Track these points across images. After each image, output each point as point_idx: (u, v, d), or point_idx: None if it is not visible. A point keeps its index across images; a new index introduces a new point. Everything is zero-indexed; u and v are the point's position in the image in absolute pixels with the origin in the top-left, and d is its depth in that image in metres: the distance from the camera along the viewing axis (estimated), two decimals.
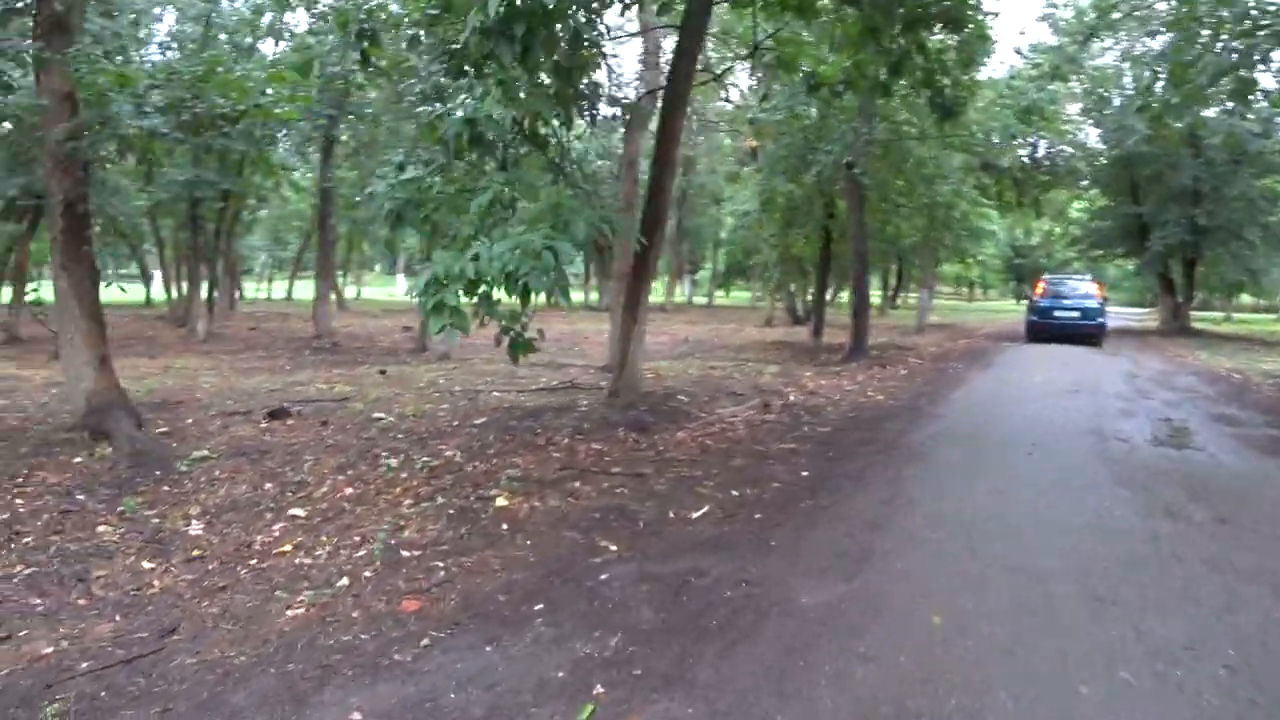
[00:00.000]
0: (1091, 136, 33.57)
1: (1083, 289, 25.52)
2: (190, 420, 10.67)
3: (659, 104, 16.29)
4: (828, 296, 57.80)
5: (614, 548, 5.97)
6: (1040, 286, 26.52)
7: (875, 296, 51.12)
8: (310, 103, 15.08)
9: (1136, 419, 11.56)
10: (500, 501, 7.17)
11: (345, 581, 5.45)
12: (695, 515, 6.79)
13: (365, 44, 8.76)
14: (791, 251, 24.87)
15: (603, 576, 5.40)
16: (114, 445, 8.72)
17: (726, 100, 29.14)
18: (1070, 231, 42.23)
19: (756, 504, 7.13)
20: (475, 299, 6.81)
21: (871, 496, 7.37)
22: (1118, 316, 39.02)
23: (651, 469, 8.35)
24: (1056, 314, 25.29)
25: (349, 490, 7.65)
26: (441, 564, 5.71)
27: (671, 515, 6.78)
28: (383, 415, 11.31)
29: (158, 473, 8.09)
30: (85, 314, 9.44)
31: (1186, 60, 14.01)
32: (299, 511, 7.07)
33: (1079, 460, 8.87)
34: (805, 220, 22.35)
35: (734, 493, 7.50)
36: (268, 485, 7.85)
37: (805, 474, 8.23)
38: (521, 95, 7.73)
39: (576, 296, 50.09)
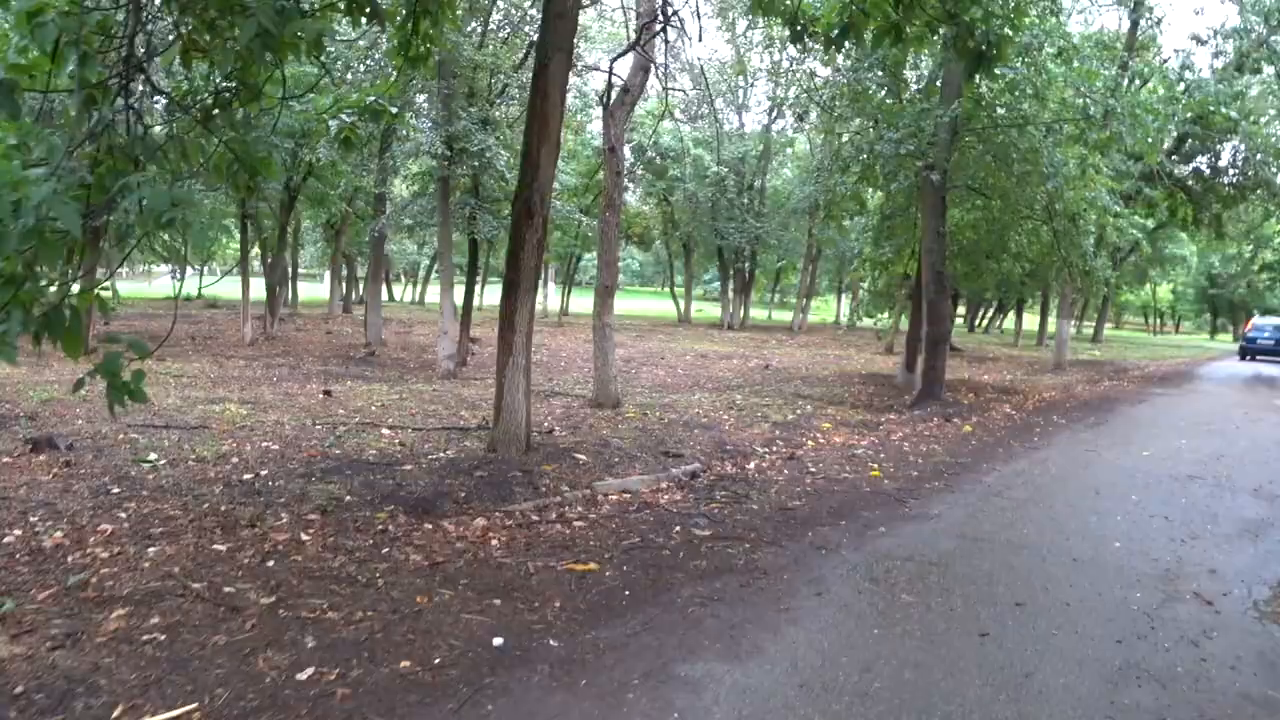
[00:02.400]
0: None
1: None
2: None
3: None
4: (980, 320, 52.59)
5: None
6: (1249, 324, 37.82)
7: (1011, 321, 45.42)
8: None
9: (1261, 545, 6.83)
10: None
11: None
12: None
13: None
14: (890, 269, 20.22)
15: None
16: None
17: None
18: (1261, 257, 35.19)
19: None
20: None
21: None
22: None
23: (284, 588, 4.62)
24: (1259, 341, 35.36)
25: None
26: None
27: None
28: (154, 457, 8.11)
29: None
30: None
31: None
32: None
33: (1081, 655, 4.47)
34: (899, 230, 17.83)
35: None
36: None
37: (498, 642, 4.29)
38: None
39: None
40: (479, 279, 37.16)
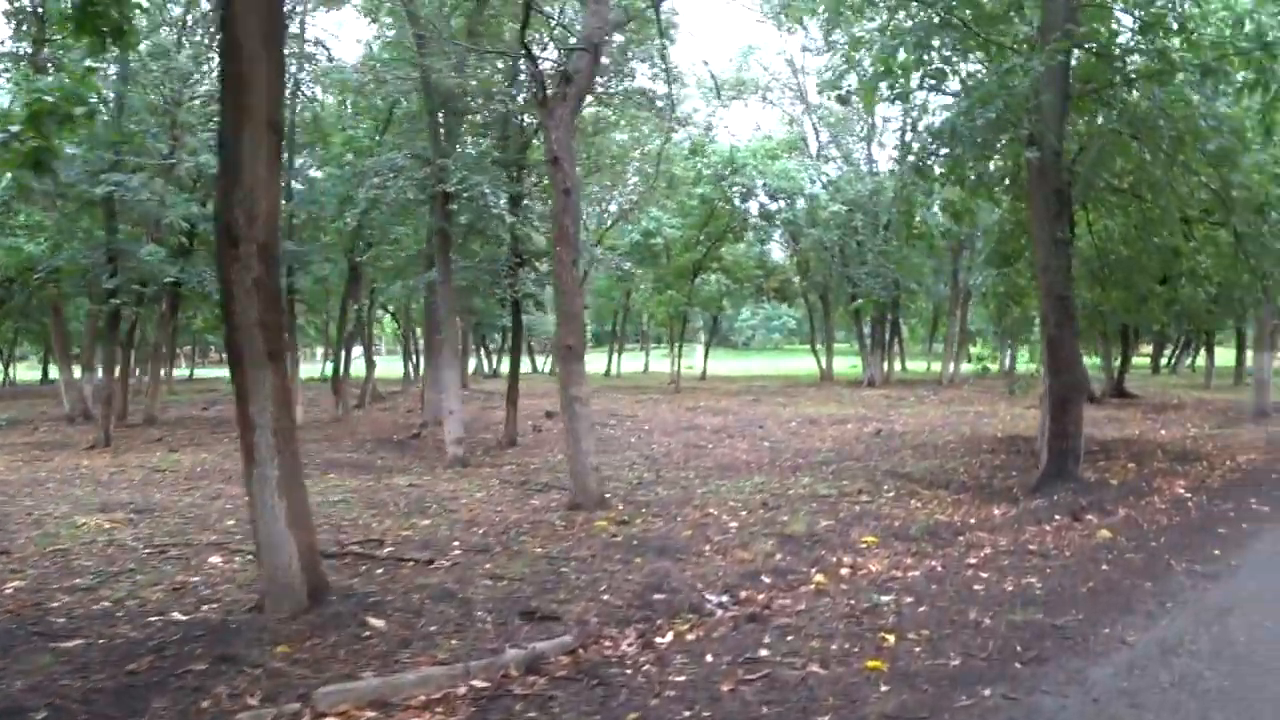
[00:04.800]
0: None
1: None
2: None
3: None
4: (1169, 358, 44.57)
5: None
6: None
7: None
8: None
9: None
10: None
11: None
12: None
13: None
14: (1021, 302, 15.40)
15: None
16: None
17: None
18: None
19: None
20: None
21: None
22: None
23: None
24: None
25: None
26: None
27: None
28: None
29: None
30: None
31: None
32: None
33: None
34: (1012, 243, 13.26)
35: None
36: None
37: None
38: None
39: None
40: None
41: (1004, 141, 10.05)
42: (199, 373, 50.33)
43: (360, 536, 8.51)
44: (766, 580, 6.29)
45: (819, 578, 6.32)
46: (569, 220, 8.95)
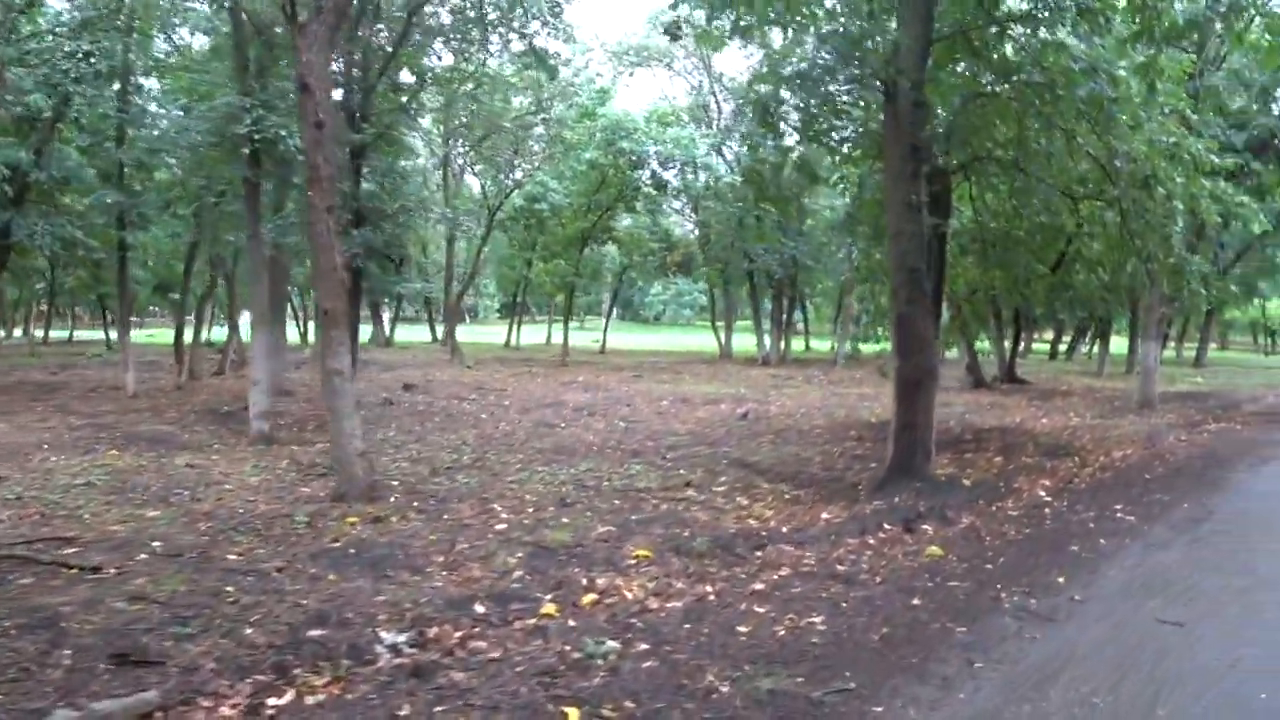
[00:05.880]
0: None
1: None
2: None
3: None
4: (1066, 346, 44.28)
5: None
6: None
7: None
8: None
9: None
10: None
11: None
12: None
13: None
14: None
15: None
16: None
17: None
18: None
19: None
20: None
21: None
22: None
23: None
24: None
25: None
26: None
27: None
28: None
29: None
30: None
31: None
32: None
33: None
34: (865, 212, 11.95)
35: None
36: None
37: None
38: None
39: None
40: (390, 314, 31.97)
41: (855, 88, 8.62)
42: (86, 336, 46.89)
43: (60, 531, 6.90)
44: (479, 610, 4.79)
45: (549, 608, 4.84)
46: (321, 159, 7.26)
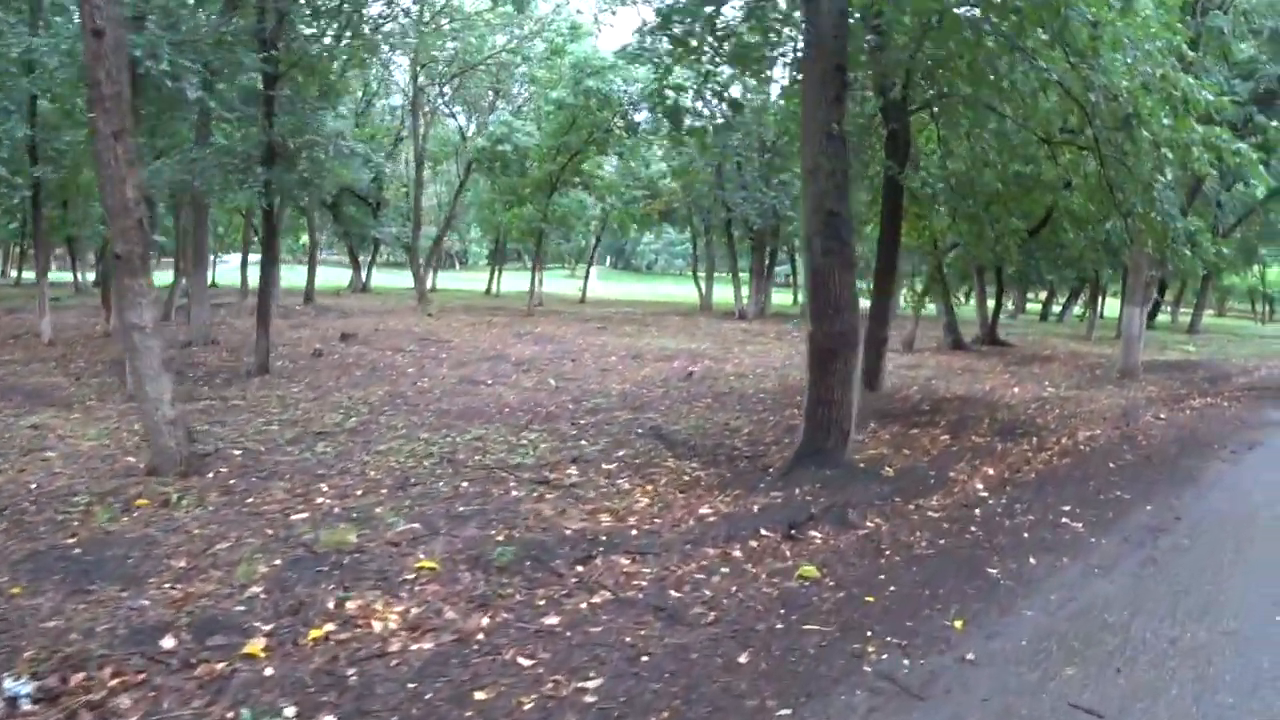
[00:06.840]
0: None
1: None
2: None
3: None
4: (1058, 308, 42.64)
5: None
6: None
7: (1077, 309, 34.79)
8: None
9: None
10: None
11: None
12: None
13: None
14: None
15: None
16: None
17: None
18: None
19: None
20: None
21: None
22: None
23: None
24: None
25: None
26: None
27: None
28: None
29: None
30: None
31: None
32: None
33: None
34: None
35: None
36: None
37: None
38: None
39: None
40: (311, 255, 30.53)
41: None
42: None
43: None
44: (166, 645, 3.56)
45: (255, 645, 3.60)
46: (103, 74, 5.89)
